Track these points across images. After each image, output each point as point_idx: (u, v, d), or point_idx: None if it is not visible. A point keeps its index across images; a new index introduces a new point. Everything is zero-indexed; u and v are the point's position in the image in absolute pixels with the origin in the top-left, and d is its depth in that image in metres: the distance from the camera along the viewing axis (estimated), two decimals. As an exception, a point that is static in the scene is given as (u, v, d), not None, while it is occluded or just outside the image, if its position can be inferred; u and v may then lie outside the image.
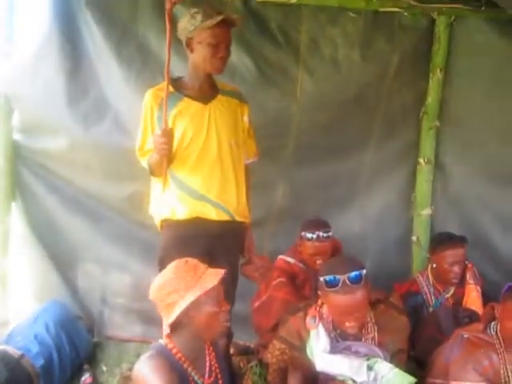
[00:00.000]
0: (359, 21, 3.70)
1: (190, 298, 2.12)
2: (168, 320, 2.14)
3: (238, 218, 2.93)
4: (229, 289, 2.77)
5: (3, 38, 3.54)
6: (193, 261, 2.24)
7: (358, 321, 2.44)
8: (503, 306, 2.50)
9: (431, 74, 3.87)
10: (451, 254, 3.38)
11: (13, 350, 3.00)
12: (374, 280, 2.87)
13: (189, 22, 2.75)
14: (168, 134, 2.66)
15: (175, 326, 2.17)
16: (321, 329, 2.53)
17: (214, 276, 2.18)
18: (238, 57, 3.51)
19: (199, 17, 2.72)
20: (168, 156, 2.71)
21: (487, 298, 3.32)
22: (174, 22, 3.22)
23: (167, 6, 2.65)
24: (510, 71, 3.80)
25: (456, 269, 3.39)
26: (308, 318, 2.59)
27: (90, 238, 3.80)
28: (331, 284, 2.39)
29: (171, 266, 2.23)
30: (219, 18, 2.69)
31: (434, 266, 3.47)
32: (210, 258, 2.64)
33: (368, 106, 3.89)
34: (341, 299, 2.38)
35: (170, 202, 2.82)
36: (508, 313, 2.46)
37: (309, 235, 3.32)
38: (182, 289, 2.13)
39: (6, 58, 3.56)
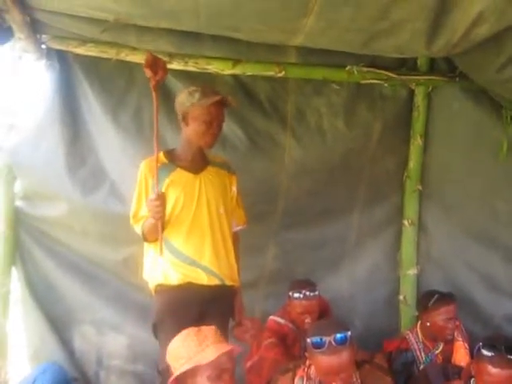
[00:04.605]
0: (342, 92, 3.89)
1: (184, 367, 2.22)
2: None
3: (227, 283, 3.01)
4: None
5: (8, 111, 3.71)
6: (204, 330, 2.33)
7: (344, 381, 2.46)
8: (476, 365, 2.56)
9: (412, 140, 4.07)
10: (445, 311, 3.42)
11: (10, 413, 3.06)
12: (363, 339, 2.96)
13: (186, 98, 2.92)
14: (161, 198, 2.79)
15: None
16: (308, 389, 2.60)
17: (216, 350, 2.24)
18: (228, 127, 3.61)
19: (197, 95, 2.89)
20: (162, 219, 2.83)
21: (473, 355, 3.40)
22: (168, 95, 3.50)
23: (151, 83, 2.82)
24: (484, 136, 4.02)
25: (450, 325, 3.43)
26: (296, 379, 2.65)
27: (86, 300, 3.82)
28: (317, 345, 2.44)
29: (183, 334, 2.33)
30: (216, 98, 2.87)
31: (428, 324, 3.48)
32: (202, 322, 2.73)
33: (353, 172, 4.05)
34: (327, 360, 2.42)
35: (163, 268, 2.91)
36: (480, 373, 2.51)
37: (296, 295, 3.44)
38: (184, 357, 2.24)
39: (11, 130, 3.71)
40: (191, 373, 2.24)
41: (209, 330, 2.35)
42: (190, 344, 2.28)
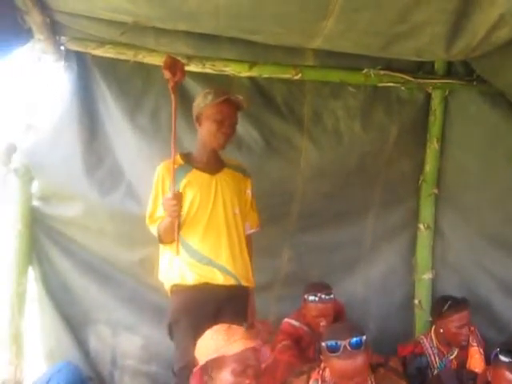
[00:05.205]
0: (359, 95, 3.88)
1: (210, 356, 2.27)
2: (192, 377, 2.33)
3: (243, 283, 3.04)
4: None
5: (26, 112, 3.74)
6: (234, 328, 2.39)
7: (359, 385, 2.48)
8: (493, 371, 2.54)
9: (428, 144, 4.05)
10: (459, 318, 3.41)
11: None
12: (377, 342, 2.95)
13: (201, 100, 3.02)
14: (178, 197, 2.83)
15: None
16: (323, 392, 2.59)
17: (243, 344, 2.29)
18: (244, 128, 3.67)
19: (210, 96, 2.98)
20: (178, 218, 2.87)
21: (489, 360, 3.35)
22: (186, 97, 3.51)
23: (170, 84, 2.88)
24: (501, 139, 3.98)
25: (464, 331, 3.43)
26: (311, 382, 2.65)
27: (101, 300, 3.84)
28: (333, 349, 2.44)
29: (213, 329, 2.40)
30: (225, 96, 2.96)
31: (442, 330, 3.48)
32: (217, 322, 2.73)
33: (369, 175, 4.04)
34: (342, 364, 2.42)
35: (179, 268, 2.94)
36: (497, 379, 2.49)
37: (311, 297, 3.44)
38: (212, 349, 2.29)
39: (28, 130, 3.74)
40: (217, 365, 2.28)
41: (238, 328, 2.40)
42: (218, 338, 2.33)
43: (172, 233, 2.91)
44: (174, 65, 2.85)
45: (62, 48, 3.59)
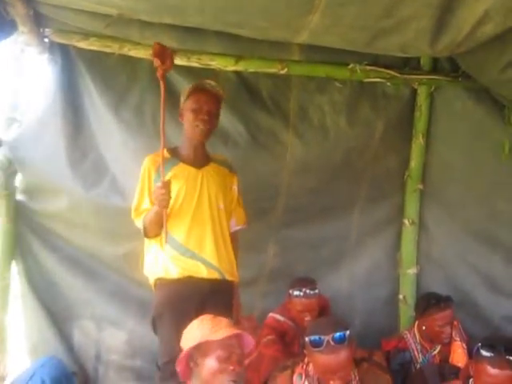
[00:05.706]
0: (345, 90, 3.88)
1: (195, 342, 2.31)
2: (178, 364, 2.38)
3: (227, 277, 3.03)
4: None
5: (10, 105, 3.70)
6: (219, 318, 2.46)
7: (343, 379, 2.46)
8: (475, 366, 2.53)
9: (414, 139, 4.05)
10: (441, 317, 3.43)
11: (9, 406, 3.06)
12: (362, 337, 2.95)
13: (182, 95, 3.05)
14: (167, 186, 2.83)
15: (187, 375, 2.36)
16: (306, 387, 2.60)
17: (227, 331, 2.35)
18: (230, 123, 3.67)
19: (190, 90, 3.01)
20: (167, 208, 2.86)
21: (471, 355, 3.37)
22: (170, 91, 3.49)
23: (158, 73, 2.89)
24: (486, 135, 4.00)
25: (447, 329, 3.44)
26: (295, 376, 2.65)
27: (86, 295, 3.82)
28: (316, 344, 2.44)
29: (199, 319, 2.46)
30: (197, 84, 3.00)
31: (424, 328, 3.50)
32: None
33: (355, 170, 4.04)
34: (325, 359, 2.42)
35: (163, 262, 2.93)
36: (478, 373, 2.49)
37: (296, 292, 3.44)
38: (198, 338, 2.33)
39: (12, 124, 3.70)
40: (202, 352, 2.33)
41: (223, 319, 2.48)
42: (204, 327, 2.39)
43: (158, 225, 2.91)
44: (163, 52, 2.86)
45: (46, 40, 3.56)
